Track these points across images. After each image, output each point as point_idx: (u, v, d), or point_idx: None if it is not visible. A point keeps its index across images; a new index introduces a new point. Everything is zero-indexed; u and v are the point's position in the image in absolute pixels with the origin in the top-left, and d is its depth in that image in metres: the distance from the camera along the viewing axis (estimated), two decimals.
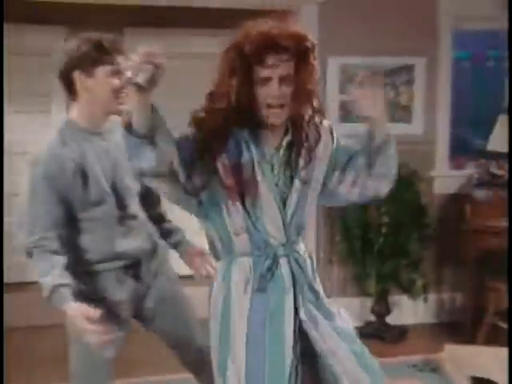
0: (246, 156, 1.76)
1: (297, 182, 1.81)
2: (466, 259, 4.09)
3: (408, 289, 4.10)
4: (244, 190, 1.75)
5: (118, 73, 2.02)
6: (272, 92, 1.71)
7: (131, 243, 2.14)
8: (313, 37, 1.77)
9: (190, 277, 2.45)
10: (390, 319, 4.22)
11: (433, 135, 4.35)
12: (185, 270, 2.39)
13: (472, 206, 4.10)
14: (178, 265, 2.38)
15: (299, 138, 1.81)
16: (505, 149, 4.01)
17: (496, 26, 4.33)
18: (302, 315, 1.79)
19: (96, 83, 2.03)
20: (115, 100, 2.05)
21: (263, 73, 1.70)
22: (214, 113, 1.75)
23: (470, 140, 4.92)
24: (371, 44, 4.19)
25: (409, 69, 4.29)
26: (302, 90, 1.74)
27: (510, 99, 4.09)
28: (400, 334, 4.17)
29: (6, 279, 4.47)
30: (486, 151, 4.25)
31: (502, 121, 4.13)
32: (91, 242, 2.09)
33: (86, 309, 1.87)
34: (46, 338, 4.06)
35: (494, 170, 4.16)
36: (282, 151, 1.81)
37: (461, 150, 4.58)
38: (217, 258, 1.89)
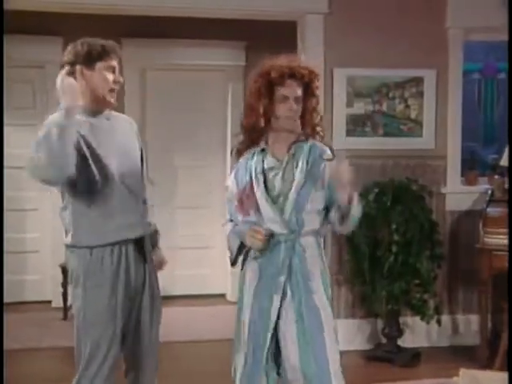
0: (246, 177, 2.45)
1: (293, 189, 2.38)
2: (481, 279, 4.00)
3: (420, 310, 4.03)
4: (248, 207, 2.43)
5: (113, 70, 2.50)
6: (290, 107, 2.40)
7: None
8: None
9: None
10: (402, 342, 4.14)
11: (444, 150, 4.29)
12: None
13: (485, 223, 4.01)
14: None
15: (298, 157, 2.43)
16: None
17: (506, 38, 4.28)
18: (288, 291, 2.39)
19: (94, 75, 2.47)
20: (108, 91, 2.49)
21: (284, 92, 2.40)
22: (250, 124, 2.44)
23: (482, 155, 4.84)
24: (379, 56, 4.15)
25: (418, 81, 4.23)
26: (308, 109, 2.45)
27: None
28: (412, 357, 4.08)
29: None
30: (499, 166, 4.18)
31: None
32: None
33: None
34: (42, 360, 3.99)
35: (508, 185, 4.07)
36: (283, 165, 2.42)
37: (473, 166, 4.50)
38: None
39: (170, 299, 5.18)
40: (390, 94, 4.24)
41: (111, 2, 4.02)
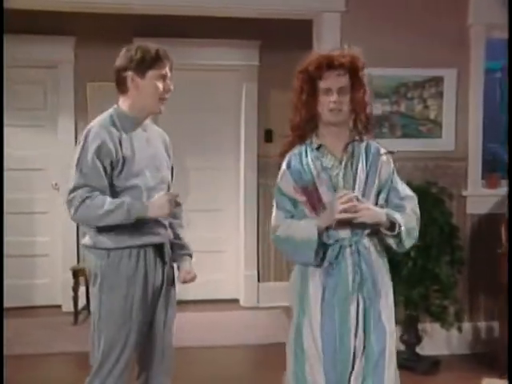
0: (307, 176, 2.36)
1: (357, 191, 2.33)
2: (503, 284, 3.95)
3: (439, 316, 3.99)
4: (313, 202, 2.35)
5: (164, 78, 2.53)
6: (333, 99, 2.31)
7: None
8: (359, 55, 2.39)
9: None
10: (421, 349, 4.10)
11: (464, 151, 4.25)
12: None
13: (507, 226, 3.97)
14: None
15: (357, 156, 2.38)
16: None
17: None
18: (360, 297, 2.33)
19: (145, 83, 2.50)
20: (158, 101, 2.54)
21: (324, 85, 2.33)
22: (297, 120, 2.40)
23: (504, 156, 4.78)
24: (397, 55, 4.12)
25: (438, 81, 4.20)
26: (356, 100, 2.36)
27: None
28: (432, 365, 4.04)
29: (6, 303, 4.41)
30: None
31: None
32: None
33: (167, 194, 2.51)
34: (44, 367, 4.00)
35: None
36: (343, 165, 2.37)
37: (494, 168, 4.46)
38: None
39: (183, 304, 5.17)
40: (409, 95, 4.21)
41: (124, 1, 4.03)
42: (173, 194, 2.54)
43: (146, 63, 2.48)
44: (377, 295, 2.36)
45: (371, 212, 2.29)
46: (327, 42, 4.08)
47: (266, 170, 5.38)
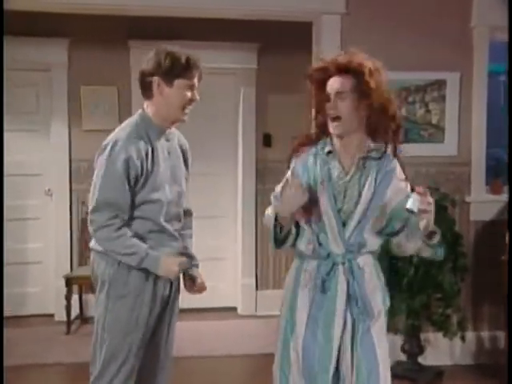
0: (310, 181, 2.29)
1: (359, 208, 2.26)
2: (506, 293, 3.93)
3: (442, 326, 3.98)
4: (311, 211, 2.27)
5: (192, 88, 2.49)
6: (329, 105, 2.25)
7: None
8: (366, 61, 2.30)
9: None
10: (423, 359, 4.08)
11: (468, 156, 4.23)
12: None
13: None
14: None
15: (367, 171, 2.28)
16: None
17: None
18: (348, 316, 2.29)
19: (172, 92, 2.46)
20: (182, 110, 2.50)
21: (326, 90, 2.26)
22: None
23: (508, 161, 4.78)
24: (398, 57, 4.10)
25: (440, 84, 4.19)
26: (369, 105, 2.23)
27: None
28: (435, 376, 4.02)
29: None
30: None
31: None
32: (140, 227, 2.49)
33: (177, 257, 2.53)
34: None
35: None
36: (348, 177, 2.28)
37: (498, 173, 4.45)
38: (295, 256, 2.44)
39: (179, 313, 5.15)
40: (410, 98, 4.19)
41: (118, 2, 4.01)
42: (184, 260, 2.55)
43: (175, 72, 2.44)
44: (368, 317, 2.30)
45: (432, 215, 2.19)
46: (327, 44, 4.06)
47: (264, 175, 5.36)
